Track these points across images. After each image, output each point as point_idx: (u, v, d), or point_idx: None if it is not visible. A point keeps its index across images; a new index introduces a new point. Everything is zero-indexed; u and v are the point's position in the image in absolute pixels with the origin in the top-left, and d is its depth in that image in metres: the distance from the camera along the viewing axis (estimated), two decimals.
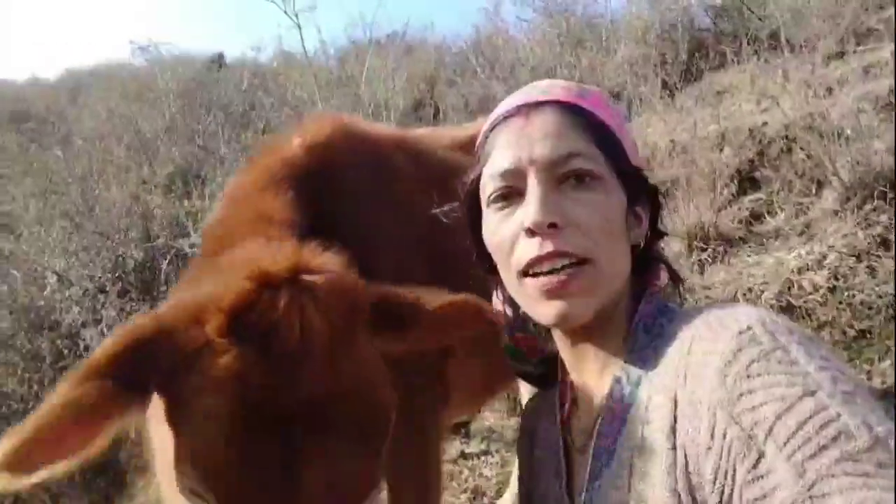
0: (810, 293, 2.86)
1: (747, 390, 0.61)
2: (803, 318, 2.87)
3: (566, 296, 0.77)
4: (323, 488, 0.72)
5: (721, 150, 3.88)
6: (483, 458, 2.77)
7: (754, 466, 0.58)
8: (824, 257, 2.92)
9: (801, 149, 3.52)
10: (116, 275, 4.19)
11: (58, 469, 0.75)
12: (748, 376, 0.62)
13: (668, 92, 5.05)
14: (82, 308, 4.00)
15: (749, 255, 3.34)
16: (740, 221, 3.58)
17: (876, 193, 3.03)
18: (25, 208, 5.30)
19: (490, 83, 6.83)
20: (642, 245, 0.85)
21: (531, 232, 0.77)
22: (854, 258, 2.85)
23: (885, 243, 2.84)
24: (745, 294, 3.11)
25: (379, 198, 1.36)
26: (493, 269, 0.87)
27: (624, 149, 0.84)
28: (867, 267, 2.80)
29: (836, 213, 3.14)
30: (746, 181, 3.84)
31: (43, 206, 5.09)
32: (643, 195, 0.86)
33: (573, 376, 0.89)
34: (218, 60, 9.95)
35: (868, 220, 2.98)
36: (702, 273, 3.48)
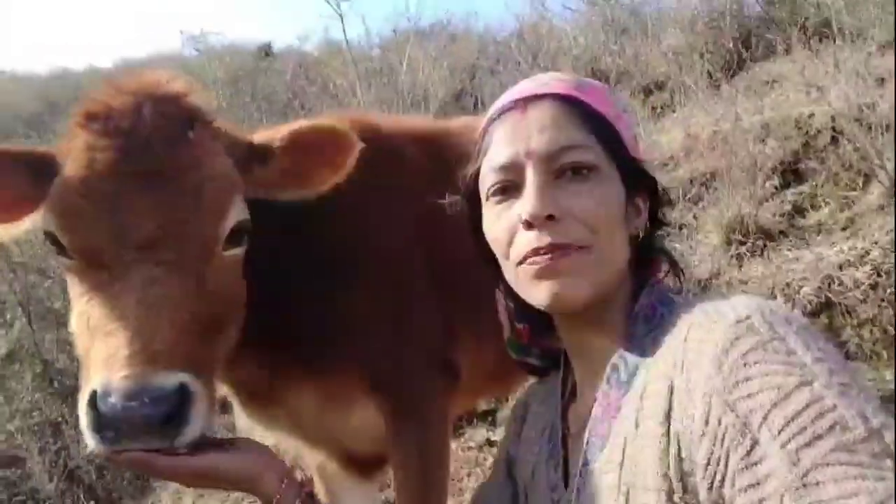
0: (851, 289, 2.78)
1: (743, 378, 0.62)
2: (843, 315, 2.79)
3: (557, 275, 0.78)
4: (153, 228, 0.92)
5: (764, 141, 3.77)
6: None
7: (748, 454, 0.59)
8: (867, 253, 2.83)
9: (849, 141, 3.41)
10: None
11: None
12: (745, 364, 0.63)
13: (713, 82, 4.93)
14: None
15: (789, 250, 3.26)
16: (782, 215, 3.49)
17: None
18: None
19: (532, 73, 6.77)
20: (642, 235, 0.86)
21: (529, 224, 0.78)
22: None
23: None
24: (783, 289, 3.04)
25: (380, 187, 1.39)
26: (494, 262, 0.89)
27: (623, 140, 0.85)
28: None
29: (881, 207, 3.03)
30: (790, 173, 3.73)
31: None
32: (643, 186, 0.87)
33: (574, 365, 0.91)
34: (265, 50, 10.14)
35: None
36: (740, 267, 3.41)
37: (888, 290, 2.66)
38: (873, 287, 2.71)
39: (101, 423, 0.78)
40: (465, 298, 1.48)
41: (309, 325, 1.32)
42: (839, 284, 2.83)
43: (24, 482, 3.34)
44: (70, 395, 3.77)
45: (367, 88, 5.43)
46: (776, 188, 3.63)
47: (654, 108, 5.58)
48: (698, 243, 3.66)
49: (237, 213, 1.02)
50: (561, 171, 0.80)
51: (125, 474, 3.43)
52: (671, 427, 0.68)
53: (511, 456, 1.01)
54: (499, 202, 0.84)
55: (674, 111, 5.36)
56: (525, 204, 0.79)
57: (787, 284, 3.03)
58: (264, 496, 0.88)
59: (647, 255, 0.88)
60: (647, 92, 6.02)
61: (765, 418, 0.59)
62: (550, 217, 0.78)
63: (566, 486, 0.85)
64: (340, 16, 5.43)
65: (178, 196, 0.96)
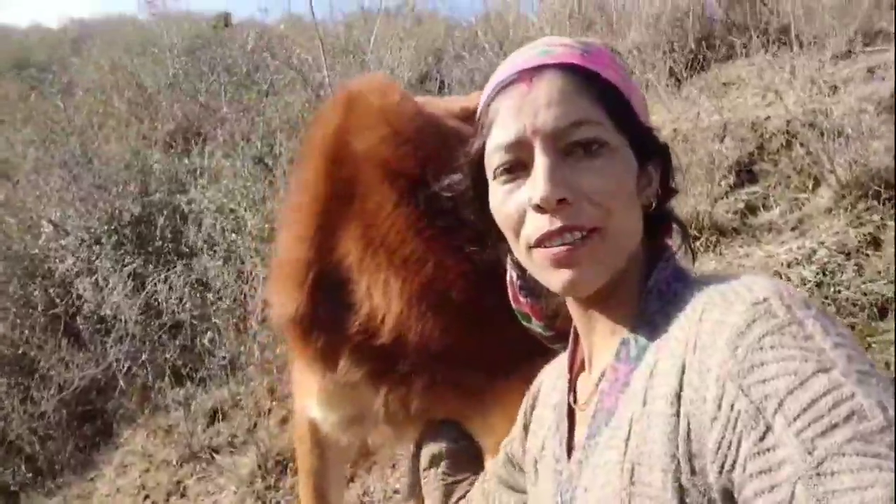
0: (798, 287, 2.89)
1: (759, 363, 0.60)
2: None
3: (575, 264, 0.76)
4: None
5: (722, 140, 3.88)
6: None
7: (761, 440, 0.58)
8: (814, 252, 2.95)
9: (801, 145, 3.53)
10: (112, 227, 4.19)
11: None
12: (760, 349, 0.61)
13: (675, 80, 5.04)
14: (77, 258, 4.01)
15: (741, 247, 3.37)
16: (735, 213, 3.60)
17: (870, 193, 3.05)
18: (23, 156, 5.28)
19: (497, 60, 6.78)
20: (654, 205, 0.84)
21: (540, 208, 0.76)
22: (843, 255, 2.88)
23: (874, 242, 2.87)
24: None
25: None
26: (500, 238, 0.86)
27: (632, 107, 0.81)
28: (855, 265, 2.83)
29: (829, 210, 3.16)
30: (745, 173, 3.85)
31: (41, 155, 5.06)
32: (655, 155, 0.85)
33: (583, 339, 0.89)
34: (223, 19, 9.83)
35: (860, 219, 3.01)
36: (693, 262, 3.51)
37: (832, 289, 2.78)
38: (818, 285, 2.82)
39: None
40: None
41: None
42: (787, 281, 2.94)
43: None
44: (7, 364, 3.63)
45: (331, 65, 5.33)
46: (731, 187, 3.74)
47: None
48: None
49: None
50: (570, 148, 0.77)
51: (67, 447, 3.33)
52: (681, 408, 0.66)
53: (519, 433, 1.03)
54: (506, 182, 0.81)
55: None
56: (535, 188, 0.76)
57: None
58: None
59: (657, 223, 0.87)
60: None
61: (780, 405, 0.57)
62: (562, 201, 0.75)
63: (570, 458, 0.85)
64: None
65: None
